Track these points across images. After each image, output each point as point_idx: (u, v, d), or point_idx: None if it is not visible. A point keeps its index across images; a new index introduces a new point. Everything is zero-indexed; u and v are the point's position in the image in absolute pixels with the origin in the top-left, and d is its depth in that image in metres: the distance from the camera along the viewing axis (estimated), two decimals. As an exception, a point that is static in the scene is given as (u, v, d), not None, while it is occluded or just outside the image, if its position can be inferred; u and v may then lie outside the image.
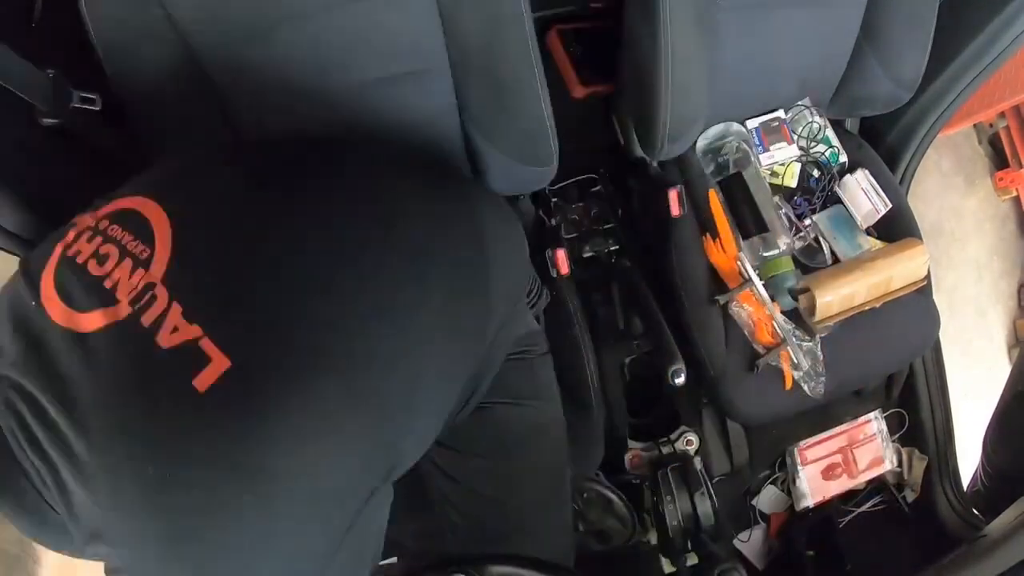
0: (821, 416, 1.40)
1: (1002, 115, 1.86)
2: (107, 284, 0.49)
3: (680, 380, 0.92)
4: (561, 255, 1.03)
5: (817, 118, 1.16)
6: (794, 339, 1.05)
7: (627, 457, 1.24)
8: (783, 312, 1.07)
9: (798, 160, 1.16)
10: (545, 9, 1.46)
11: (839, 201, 1.17)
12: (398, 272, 0.58)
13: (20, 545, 0.81)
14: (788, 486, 1.40)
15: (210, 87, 0.83)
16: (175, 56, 0.79)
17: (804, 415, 1.36)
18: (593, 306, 1.29)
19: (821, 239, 1.16)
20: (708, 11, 0.93)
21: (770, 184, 1.15)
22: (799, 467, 1.36)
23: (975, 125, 1.96)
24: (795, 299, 1.07)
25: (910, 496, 1.38)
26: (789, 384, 1.07)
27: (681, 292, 1.11)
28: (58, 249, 0.52)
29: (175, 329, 0.47)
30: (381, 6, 0.81)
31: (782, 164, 1.16)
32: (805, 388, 1.06)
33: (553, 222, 1.38)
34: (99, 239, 0.52)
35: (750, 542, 1.40)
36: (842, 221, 1.15)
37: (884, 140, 1.27)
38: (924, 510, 1.37)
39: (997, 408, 1.30)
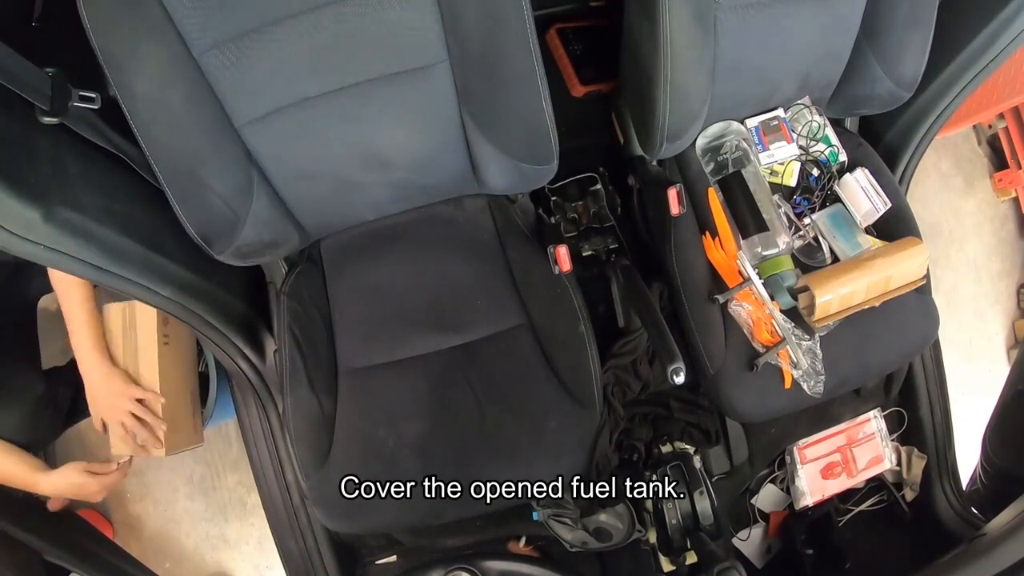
0: (820, 415, 1.40)
1: (1001, 116, 1.86)
2: None
3: (680, 379, 0.92)
4: (563, 252, 1.03)
5: (817, 117, 1.16)
6: (793, 338, 1.05)
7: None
8: (782, 311, 1.07)
9: (798, 159, 1.16)
10: (545, 8, 1.46)
11: (838, 200, 1.17)
12: None
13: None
14: (787, 485, 1.40)
15: (210, 86, 0.83)
16: (174, 55, 0.79)
17: (803, 414, 1.37)
18: (592, 305, 1.29)
19: (820, 238, 1.16)
20: (708, 9, 0.93)
21: (769, 183, 1.15)
22: (798, 466, 1.36)
23: (974, 126, 1.96)
24: (794, 298, 1.07)
25: (909, 495, 1.38)
26: (788, 383, 1.07)
27: (680, 291, 1.11)
28: None
29: None
30: (380, 3, 0.81)
31: (781, 163, 1.16)
32: (804, 387, 1.06)
33: (553, 220, 1.38)
34: None
35: (749, 541, 1.40)
36: (841, 220, 1.15)
37: (883, 139, 1.27)
38: (923, 509, 1.37)
39: (996, 407, 1.30)
